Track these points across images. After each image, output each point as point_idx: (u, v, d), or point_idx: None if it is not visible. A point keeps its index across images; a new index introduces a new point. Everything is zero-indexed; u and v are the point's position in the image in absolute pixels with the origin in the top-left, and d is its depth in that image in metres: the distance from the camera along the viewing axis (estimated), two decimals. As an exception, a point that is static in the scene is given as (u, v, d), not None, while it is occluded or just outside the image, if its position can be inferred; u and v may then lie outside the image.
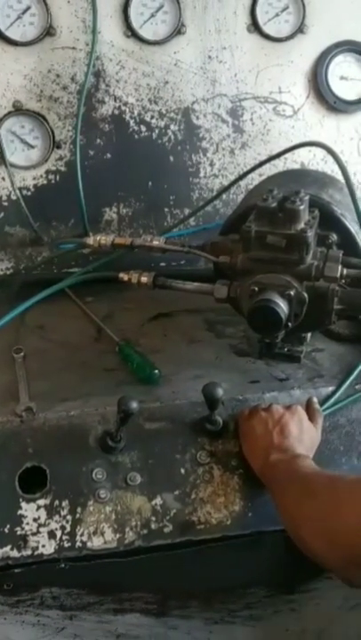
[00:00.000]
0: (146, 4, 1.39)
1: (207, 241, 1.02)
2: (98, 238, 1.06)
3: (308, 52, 1.49)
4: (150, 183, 1.47)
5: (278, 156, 1.17)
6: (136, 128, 1.44)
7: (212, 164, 1.49)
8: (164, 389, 1.07)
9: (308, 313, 0.95)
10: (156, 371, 1.09)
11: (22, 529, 0.91)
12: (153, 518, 0.93)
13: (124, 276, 1.04)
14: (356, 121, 1.54)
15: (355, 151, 1.56)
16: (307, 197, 0.91)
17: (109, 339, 1.21)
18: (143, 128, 1.44)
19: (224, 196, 1.49)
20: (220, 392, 0.94)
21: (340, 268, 0.91)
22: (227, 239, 1.01)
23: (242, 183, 1.48)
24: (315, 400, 1.02)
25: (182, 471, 0.97)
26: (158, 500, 0.95)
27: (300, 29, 1.46)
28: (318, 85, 1.49)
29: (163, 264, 1.43)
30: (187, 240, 1.10)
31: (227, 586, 1.01)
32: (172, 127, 1.46)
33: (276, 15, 1.45)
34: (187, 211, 1.49)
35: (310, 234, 0.89)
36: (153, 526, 0.93)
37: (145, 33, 1.40)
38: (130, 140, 1.44)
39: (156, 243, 1.03)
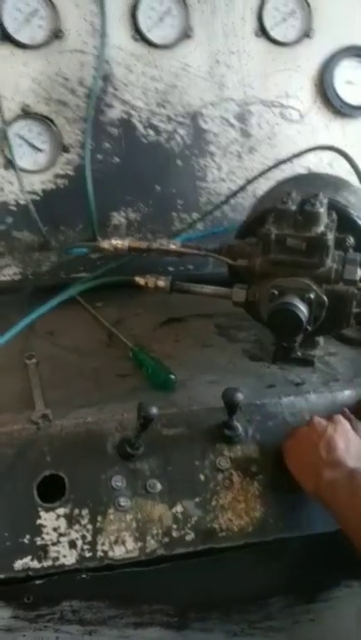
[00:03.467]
0: (154, 8, 1.38)
1: (223, 244, 1.02)
2: (114, 242, 1.05)
3: (315, 56, 1.49)
4: (158, 187, 1.46)
5: (289, 159, 1.17)
6: (144, 132, 1.43)
7: (219, 169, 1.49)
8: (179, 395, 1.06)
9: (326, 316, 0.95)
10: (172, 376, 1.08)
11: (42, 539, 0.89)
12: (174, 526, 0.92)
13: (140, 281, 1.03)
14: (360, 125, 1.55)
15: (358, 155, 1.56)
16: (326, 200, 0.91)
17: (121, 344, 1.20)
18: (151, 132, 1.44)
19: (232, 201, 1.49)
20: (240, 397, 0.93)
21: (359, 270, 0.91)
22: (243, 242, 1.00)
23: (249, 188, 1.48)
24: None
25: (202, 478, 0.96)
26: (179, 508, 0.93)
27: (306, 34, 1.47)
28: (325, 90, 1.49)
29: (171, 268, 1.43)
30: (201, 244, 1.09)
31: (247, 595, 1.00)
32: (179, 131, 1.45)
33: (283, 20, 1.45)
34: (195, 215, 1.48)
35: (330, 237, 0.89)
36: (174, 534, 0.91)
37: (153, 37, 1.39)
38: (138, 144, 1.43)
39: (172, 246, 1.02)
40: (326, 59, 1.49)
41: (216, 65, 1.45)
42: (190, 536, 0.92)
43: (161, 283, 1.02)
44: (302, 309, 0.90)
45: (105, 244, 1.06)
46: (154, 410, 0.91)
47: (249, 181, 1.25)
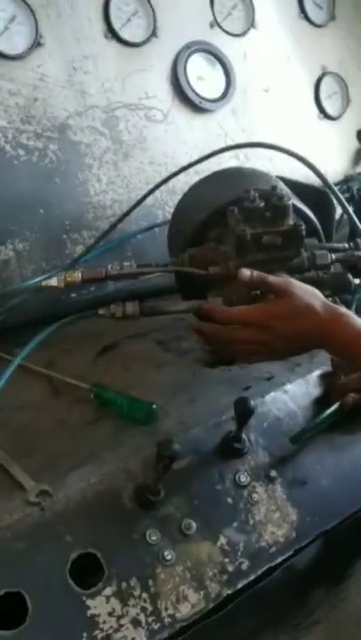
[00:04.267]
0: (-3, 16, 1.25)
1: (180, 256, 0.96)
2: (63, 277, 0.92)
3: (165, 54, 1.48)
4: (41, 210, 1.33)
5: (200, 161, 1.14)
6: (14, 153, 1.29)
7: (99, 180, 1.41)
8: (167, 424, 0.99)
9: (301, 305, 0.96)
10: (154, 406, 1.00)
11: (102, 630, 0.76)
12: (226, 560, 0.86)
13: (105, 312, 0.93)
14: (219, 117, 1.58)
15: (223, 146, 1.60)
16: (285, 192, 0.91)
17: (71, 389, 1.07)
18: (22, 152, 1.30)
19: (119, 213, 1.43)
20: (253, 405, 0.89)
21: (330, 255, 0.93)
22: (204, 250, 0.96)
23: (132, 196, 1.44)
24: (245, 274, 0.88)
25: (230, 500, 0.91)
26: (222, 540, 0.87)
27: (153, 33, 1.45)
28: (181, 87, 1.50)
29: (73, 295, 1.32)
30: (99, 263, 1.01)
31: (291, 599, 0.98)
32: (51, 147, 1.33)
33: (128, 20, 1.42)
34: (85, 233, 1.39)
35: (304, 226, 0.89)
36: (230, 568, 0.85)
37: (2, 47, 1.25)
38: (10, 166, 1.28)
39: (133, 269, 0.93)
40: (175, 56, 1.49)
41: (73, 72, 1.36)
42: (245, 564, 0.86)
43: (130, 309, 0.92)
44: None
45: (53, 282, 0.93)
46: (177, 446, 0.83)
47: (154, 188, 1.20)
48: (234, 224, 0.89)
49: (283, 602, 0.96)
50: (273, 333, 0.85)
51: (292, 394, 1.06)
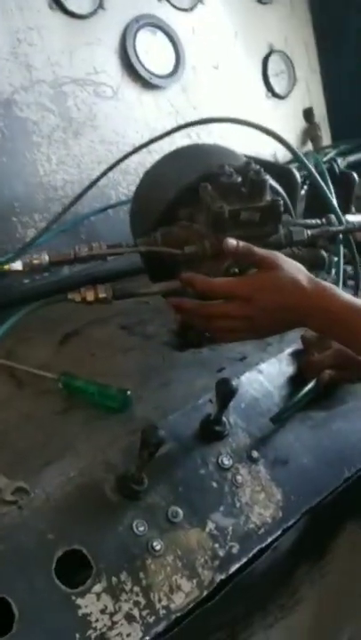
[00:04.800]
0: None
1: (152, 235, 0.92)
2: (28, 260, 0.86)
3: (112, 28, 1.42)
4: (-11, 192, 1.25)
5: (160, 138, 1.09)
6: None
7: (49, 160, 1.33)
8: (143, 410, 0.95)
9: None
10: (128, 392, 0.95)
11: (95, 629, 0.71)
12: (216, 545, 0.83)
13: (76, 297, 0.87)
14: (170, 95, 1.54)
15: (174, 124, 1.55)
16: (260, 168, 0.88)
17: (35, 379, 1.01)
18: (-35, 129, 1.21)
19: (70, 193, 1.36)
20: (236, 386, 0.87)
21: (306, 231, 0.91)
22: (177, 229, 0.92)
23: (83, 176, 1.38)
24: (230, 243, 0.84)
25: (214, 485, 0.88)
26: (211, 525, 0.84)
27: (100, 5, 1.38)
28: (130, 62, 1.44)
29: (26, 280, 1.25)
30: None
31: (279, 581, 0.96)
32: (-4, 124, 1.25)
33: (74, -10, 1.34)
34: (36, 216, 1.31)
35: (282, 202, 0.87)
36: (221, 553, 0.82)
37: None
38: None
39: (103, 250, 0.88)
40: (124, 30, 1.43)
41: (18, 43, 1.28)
42: (236, 548, 0.84)
43: (102, 294, 0.87)
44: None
45: (17, 266, 0.86)
46: (162, 432, 0.80)
47: (109, 168, 1.14)
48: (209, 201, 0.86)
49: (269, 583, 0.95)
50: (256, 307, 0.82)
51: (267, 373, 1.04)
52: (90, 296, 0.87)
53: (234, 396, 0.87)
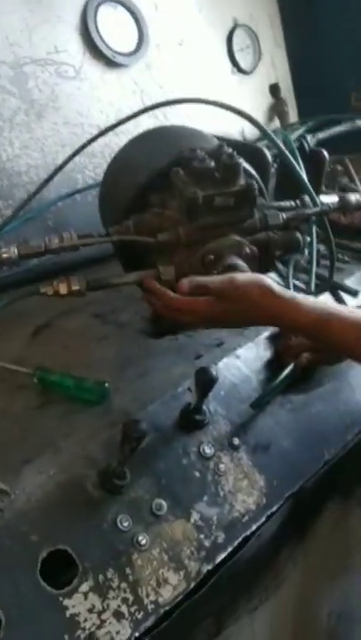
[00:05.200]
0: None
1: (124, 223, 0.89)
2: (-1, 254, 0.82)
3: (73, 4, 1.36)
4: None
5: (122, 122, 1.06)
6: None
7: (11, 144, 1.28)
8: (120, 401, 0.93)
9: (253, 266, 0.92)
10: (106, 384, 0.94)
11: (83, 629, 0.71)
12: (202, 536, 0.83)
13: (47, 290, 0.84)
14: (134, 73, 1.49)
15: (139, 103, 1.52)
16: (233, 152, 0.86)
17: (9, 375, 0.99)
18: None
19: (35, 178, 1.32)
20: (215, 374, 0.86)
21: (281, 214, 0.90)
22: (148, 216, 0.89)
23: (48, 160, 1.33)
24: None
25: (197, 474, 0.87)
26: (195, 515, 0.84)
27: (58, -21, 1.32)
28: (92, 40, 1.39)
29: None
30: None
31: (263, 565, 0.97)
32: None
33: (30, -36, 1.28)
34: (0, 203, 1.27)
35: (257, 186, 0.85)
36: (207, 544, 0.82)
37: None
38: None
39: (74, 241, 0.85)
40: (84, 6, 1.38)
41: (-27, 23, 1.21)
42: (221, 537, 0.83)
43: (75, 286, 0.84)
44: (245, 267, 0.86)
45: (-15, 259, 0.83)
46: (144, 425, 0.78)
47: (75, 152, 1.10)
48: (181, 186, 0.83)
49: (254, 568, 0.96)
50: (222, 322, 0.83)
51: (245, 359, 1.04)
52: (63, 289, 0.84)
53: (214, 384, 0.86)
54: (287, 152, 1.02)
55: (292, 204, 0.95)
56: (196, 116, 1.53)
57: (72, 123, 1.37)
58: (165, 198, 0.90)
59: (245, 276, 0.83)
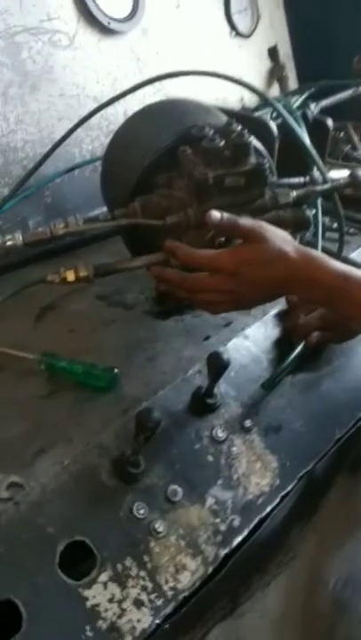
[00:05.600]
0: None
1: (131, 205, 0.86)
2: (1, 242, 0.79)
3: (63, -34, 1.29)
4: None
5: (121, 97, 1.02)
6: None
7: (6, 119, 1.24)
8: (132, 387, 0.92)
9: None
10: (116, 370, 0.92)
11: (104, 619, 0.71)
12: (217, 520, 0.83)
13: (55, 278, 0.82)
14: (130, 39, 1.43)
15: (136, 71, 1.46)
16: (243, 129, 0.83)
17: (14, 361, 0.97)
18: None
19: (31, 154, 1.28)
20: (228, 358, 0.84)
21: (291, 193, 0.87)
22: (156, 197, 0.86)
23: (44, 134, 1.29)
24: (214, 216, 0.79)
25: (210, 458, 0.87)
26: (210, 500, 0.84)
27: None
28: (86, 6, 1.32)
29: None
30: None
31: (276, 543, 0.98)
32: None
33: None
34: (-5, 180, 1.23)
35: (268, 164, 0.82)
36: (223, 528, 0.82)
37: None
38: None
39: (80, 227, 0.82)
40: (75, -32, 1.31)
41: None
42: (237, 520, 0.84)
43: (83, 272, 0.82)
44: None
45: (-12, 248, 0.80)
46: (157, 414, 0.77)
47: (75, 127, 1.07)
48: (191, 167, 0.80)
49: (267, 547, 0.96)
50: (242, 281, 0.79)
51: (253, 338, 1.02)
52: (70, 276, 0.82)
53: (226, 369, 0.85)
54: (295, 125, 0.98)
55: (301, 180, 0.92)
56: (194, 83, 1.48)
57: (68, 94, 1.32)
58: (172, 178, 0.87)
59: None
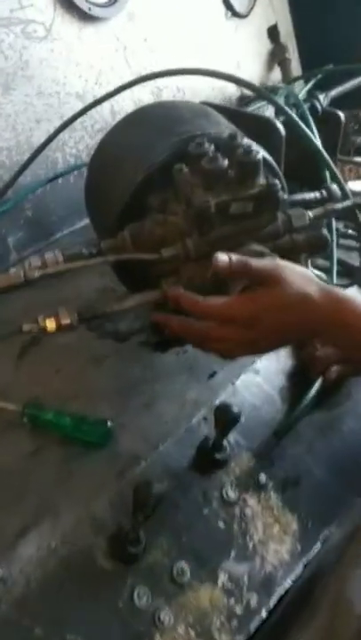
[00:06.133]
0: None
1: (120, 235, 0.73)
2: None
3: None
4: None
5: (106, 98, 0.88)
6: None
7: (-23, 124, 1.10)
8: (127, 442, 0.80)
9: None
10: (110, 423, 0.80)
11: None
12: (232, 601, 0.72)
13: (32, 328, 0.69)
14: (114, 26, 1.28)
15: (123, 62, 1.32)
16: (249, 142, 0.69)
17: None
18: None
19: (8, 164, 1.14)
20: (237, 412, 0.72)
21: (307, 214, 0.74)
22: (149, 225, 0.73)
23: (21, 139, 1.15)
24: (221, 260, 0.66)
25: (221, 525, 0.76)
26: (223, 577, 0.73)
27: None
28: (63, -10, 1.17)
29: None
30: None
31: (298, 608, 0.87)
32: None
33: None
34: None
35: (279, 185, 0.69)
36: (238, 610, 0.71)
37: None
38: None
39: (61, 266, 0.69)
40: None
41: None
42: (254, 599, 0.73)
43: (65, 319, 0.70)
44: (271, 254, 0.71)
45: None
46: (158, 487, 0.66)
47: (58, 131, 0.93)
48: (189, 191, 0.67)
49: (290, 619, 0.85)
50: (261, 330, 0.67)
51: (265, 373, 0.91)
52: (50, 325, 0.70)
53: (236, 424, 0.74)
54: (305, 129, 0.84)
55: (317, 195, 0.79)
56: (181, 79, 1.34)
57: (46, 93, 1.18)
58: (167, 199, 0.74)
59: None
